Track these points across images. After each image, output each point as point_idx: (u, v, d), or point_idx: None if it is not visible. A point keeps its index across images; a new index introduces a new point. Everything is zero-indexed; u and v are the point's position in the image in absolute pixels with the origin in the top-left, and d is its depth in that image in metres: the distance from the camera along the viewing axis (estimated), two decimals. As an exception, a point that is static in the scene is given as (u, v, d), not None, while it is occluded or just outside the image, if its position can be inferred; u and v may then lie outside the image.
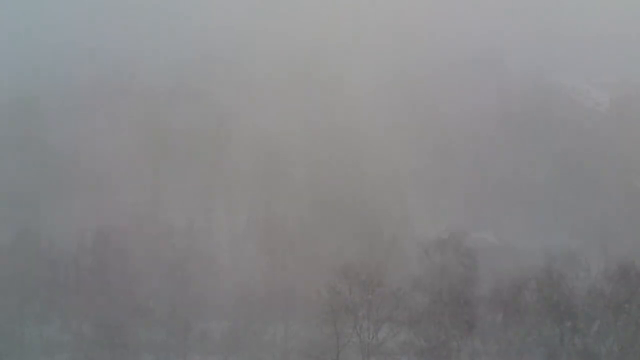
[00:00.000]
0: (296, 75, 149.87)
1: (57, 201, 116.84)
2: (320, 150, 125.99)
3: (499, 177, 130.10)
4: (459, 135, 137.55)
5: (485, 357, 70.69)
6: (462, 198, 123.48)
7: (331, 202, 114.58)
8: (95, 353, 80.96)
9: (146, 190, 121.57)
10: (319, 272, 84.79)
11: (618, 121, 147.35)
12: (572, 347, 68.89)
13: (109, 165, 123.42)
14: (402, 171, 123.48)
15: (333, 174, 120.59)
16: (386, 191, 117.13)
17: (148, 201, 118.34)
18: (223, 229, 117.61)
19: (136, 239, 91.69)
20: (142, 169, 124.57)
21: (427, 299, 77.49)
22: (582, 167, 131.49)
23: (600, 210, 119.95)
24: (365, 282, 78.52)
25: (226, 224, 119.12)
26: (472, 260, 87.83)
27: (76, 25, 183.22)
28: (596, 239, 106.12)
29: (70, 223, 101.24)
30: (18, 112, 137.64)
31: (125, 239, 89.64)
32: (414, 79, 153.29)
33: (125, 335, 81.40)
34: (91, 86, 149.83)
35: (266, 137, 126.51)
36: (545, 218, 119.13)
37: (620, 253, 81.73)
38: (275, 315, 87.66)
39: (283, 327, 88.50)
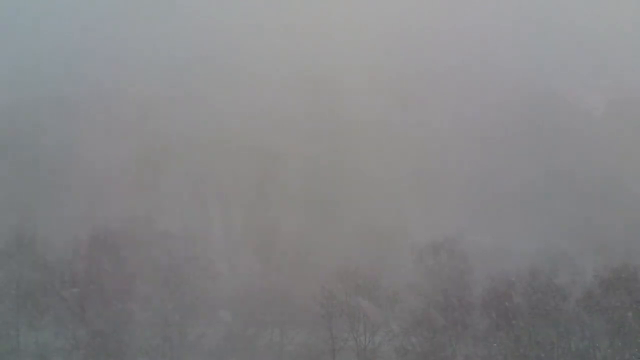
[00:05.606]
0: (293, 79, 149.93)
1: (52, 206, 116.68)
2: (317, 155, 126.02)
3: (494, 180, 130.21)
4: (453, 140, 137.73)
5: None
6: (457, 201, 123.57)
7: (327, 207, 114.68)
8: (90, 358, 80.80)
9: (142, 195, 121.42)
10: (314, 277, 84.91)
11: (614, 125, 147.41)
12: (566, 351, 68.96)
13: (104, 170, 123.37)
14: (397, 175, 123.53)
15: (329, 178, 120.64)
16: (381, 195, 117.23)
17: (143, 206, 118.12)
18: (219, 233, 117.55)
19: (131, 244, 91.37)
20: (138, 173, 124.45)
21: (422, 303, 77.58)
22: (577, 170, 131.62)
23: (596, 214, 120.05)
24: (361, 286, 78.67)
25: (222, 229, 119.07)
26: (467, 264, 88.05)
27: (73, 28, 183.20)
28: (592, 243, 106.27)
29: (65, 228, 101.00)
30: (13, 116, 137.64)
31: (121, 244, 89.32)
32: (409, 83, 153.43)
33: (120, 340, 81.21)
34: (87, 89, 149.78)
35: (262, 141, 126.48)
36: (540, 222, 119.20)
37: (616, 257, 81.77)
38: (271, 320, 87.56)
39: (279, 331, 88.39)
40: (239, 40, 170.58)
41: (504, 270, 77.13)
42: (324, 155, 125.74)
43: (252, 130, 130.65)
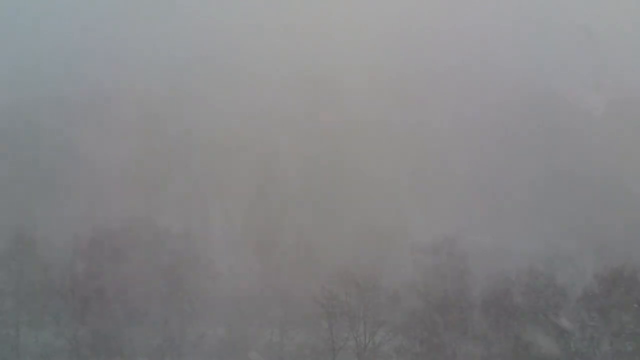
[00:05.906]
0: (293, 79, 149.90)
1: (52, 206, 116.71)
2: (317, 155, 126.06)
3: (494, 180, 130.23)
4: (453, 140, 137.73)
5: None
6: (457, 201, 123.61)
7: (327, 207, 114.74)
8: (90, 358, 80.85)
9: (142, 195, 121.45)
10: (314, 276, 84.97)
11: (614, 125, 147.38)
12: (566, 351, 69.01)
13: (104, 170, 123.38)
14: (397, 175, 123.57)
15: (329, 178, 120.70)
16: (381, 195, 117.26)
17: (144, 206, 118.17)
18: (219, 233, 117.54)
19: (132, 243, 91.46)
20: (138, 173, 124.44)
21: (422, 302, 77.66)
22: (577, 170, 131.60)
23: (596, 214, 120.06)
24: (361, 285, 78.73)
25: (222, 229, 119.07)
26: (467, 263, 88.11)
27: (73, 28, 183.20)
28: (591, 243, 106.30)
29: (65, 228, 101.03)
30: (13, 116, 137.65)
31: (121, 243, 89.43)
32: (409, 83, 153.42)
33: (120, 340, 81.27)
34: (87, 89, 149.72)
35: (262, 141, 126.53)
36: (540, 222, 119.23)
37: (616, 257, 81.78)
38: (271, 320, 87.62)
39: (279, 331, 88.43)
40: (239, 40, 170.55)
41: (504, 270, 77.18)
42: (324, 155, 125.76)
43: (252, 130, 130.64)
